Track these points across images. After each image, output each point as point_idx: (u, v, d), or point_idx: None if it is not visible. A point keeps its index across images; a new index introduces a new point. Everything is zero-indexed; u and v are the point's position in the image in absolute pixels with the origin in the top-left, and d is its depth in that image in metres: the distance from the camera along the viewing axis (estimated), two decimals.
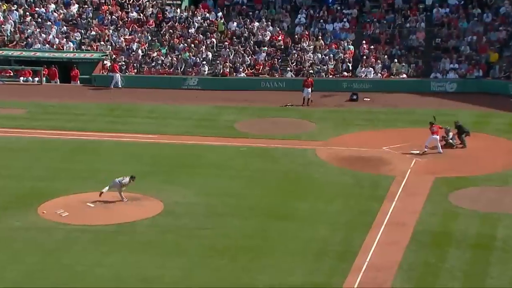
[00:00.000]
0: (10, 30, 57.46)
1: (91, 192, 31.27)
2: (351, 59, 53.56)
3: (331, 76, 52.48)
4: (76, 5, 59.44)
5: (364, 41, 54.06)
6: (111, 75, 52.76)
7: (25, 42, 56.38)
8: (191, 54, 54.48)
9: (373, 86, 51.10)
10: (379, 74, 52.27)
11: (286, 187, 32.50)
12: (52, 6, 59.30)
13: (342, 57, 53.52)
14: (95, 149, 38.26)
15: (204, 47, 55.09)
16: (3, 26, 57.64)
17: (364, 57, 53.07)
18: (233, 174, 34.12)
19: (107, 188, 30.19)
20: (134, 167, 31.34)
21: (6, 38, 56.74)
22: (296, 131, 41.80)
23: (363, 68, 52.41)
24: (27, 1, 60.22)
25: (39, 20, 58.30)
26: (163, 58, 54.38)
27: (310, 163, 35.86)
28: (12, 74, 54.46)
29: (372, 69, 52.22)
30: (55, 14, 58.64)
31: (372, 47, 53.67)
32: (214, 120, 44.23)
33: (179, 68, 53.86)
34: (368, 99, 48.68)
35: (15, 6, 59.61)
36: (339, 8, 57.71)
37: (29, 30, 57.18)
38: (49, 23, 57.79)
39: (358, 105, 47.67)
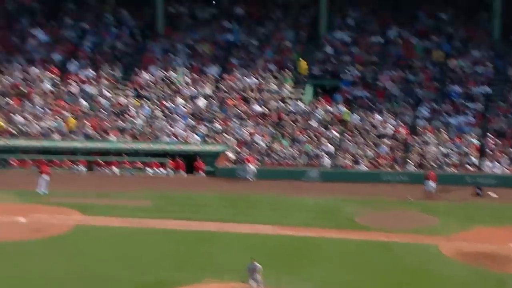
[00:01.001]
0: (141, 124, 59.86)
1: (218, 283, 31.43)
2: (475, 153, 52.43)
3: (454, 170, 51.48)
4: (204, 100, 61.31)
5: (489, 135, 52.92)
6: (245, 166, 53.67)
7: (153, 135, 58.60)
8: (312, 146, 55.02)
9: (500, 181, 49.55)
10: (506, 169, 50.79)
11: (408, 283, 31.70)
12: (181, 101, 61.47)
13: (466, 150, 52.49)
14: (216, 239, 38.74)
15: (325, 139, 55.55)
16: (135, 121, 60.06)
17: (489, 151, 51.84)
18: (352, 268, 33.67)
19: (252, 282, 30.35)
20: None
21: (137, 132, 59.06)
22: (417, 225, 40.98)
23: (488, 162, 51.12)
24: (157, 97, 62.70)
25: (168, 113, 60.51)
26: (284, 150, 55.17)
27: (432, 258, 34.94)
28: (141, 166, 56.33)
29: (498, 163, 50.84)
30: (183, 108, 60.71)
31: (498, 141, 52.43)
32: (334, 212, 44.09)
33: (300, 160, 54.39)
34: (494, 195, 47.21)
35: (147, 101, 61.96)
36: (463, 101, 57.02)
37: (157, 124, 59.43)
38: (176, 116, 59.91)
39: (482, 200, 46.33)
